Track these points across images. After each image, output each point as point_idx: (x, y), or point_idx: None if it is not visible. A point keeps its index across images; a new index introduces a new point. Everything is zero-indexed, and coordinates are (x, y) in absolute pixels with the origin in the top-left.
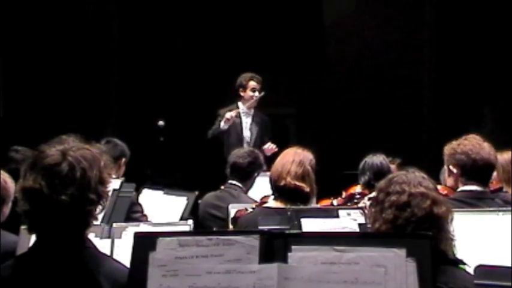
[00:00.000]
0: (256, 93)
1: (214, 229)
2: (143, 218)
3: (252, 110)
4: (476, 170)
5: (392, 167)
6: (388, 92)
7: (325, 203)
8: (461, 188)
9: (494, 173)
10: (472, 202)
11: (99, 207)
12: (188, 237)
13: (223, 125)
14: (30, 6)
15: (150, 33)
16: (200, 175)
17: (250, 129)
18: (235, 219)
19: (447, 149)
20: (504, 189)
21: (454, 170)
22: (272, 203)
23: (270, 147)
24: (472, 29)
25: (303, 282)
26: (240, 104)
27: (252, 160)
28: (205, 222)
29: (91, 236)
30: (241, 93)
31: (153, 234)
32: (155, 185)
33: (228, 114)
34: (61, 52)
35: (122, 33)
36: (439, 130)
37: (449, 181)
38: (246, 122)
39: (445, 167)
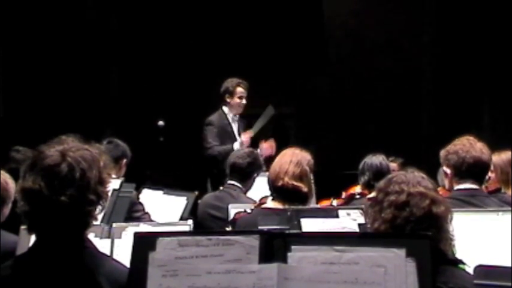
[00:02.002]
0: (244, 101)
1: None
2: (145, 216)
3: (237, 116)
4: (467, 168)
5: (394, 166)
6: (388, 92)
7: (325, 203)
8: (456, 187)
9: (493, 175)
10: (466, 199)
11: (99, 208)
12: (188, 237)
13: (237, 147)
14: (30, 6)
15: (149, 33)
16: (200, 175)
17: (239, 135)
18: (233, 221)
19: (442, 152)
20: (502, 191)
21: (448, 171)
22: (270, 203)
23: (267, 145)
24: (472, 30)
25: (302, 282)
26: (225, 109)
27: (251, 160)
28: (204, 223)
29: (91, 236)
30: (228, 100)
31: (153, 234)
32: (155, 185)
33: (246, 139)
34: (61, 52)
35: (122, 33)
36: (438, 130)
37: (445, 183)
38: (235, 128)
39: (442, 169)
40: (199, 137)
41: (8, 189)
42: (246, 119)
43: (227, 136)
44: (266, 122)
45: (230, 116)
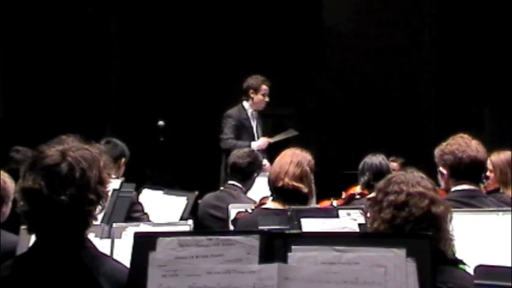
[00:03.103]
0: (267, 98)
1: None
2: (144, 216)
3: (256, 112)
4: (464, 168)
5: (395, 165)
6: (388, 92)
7: (325, 203)
8: (453, 188)
9: (492, 175)
10: (465, 201)
11: (99, 207)
12: (188, 237)
13: (255, 147)
14: (30, 7)
15: (149, 32)
16: (200, 175)
17: (257, 132)
18: (235, 221)
19: (436, 152)
20: (501, 190)
21: (444, 171)
22: (271, 204)
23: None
24: (472, 30)
25: (303, 282)
26: (246, 104)
27: (251, 160)
28: (204, 223)
29: (91, 236)
30: (252, 95)
31: (153, 234)
32: (155, 185)
33: (264, 143)
34: (61, 52)
35: (121, 32)
36: (439, 130)
37: (442, 183)
38: (254, 124)
39: (437, 169)
40: (200, 136)
41: (7, 189)
42: None
43: (245, 130)
44: (285, 138)
45: (250, 112)
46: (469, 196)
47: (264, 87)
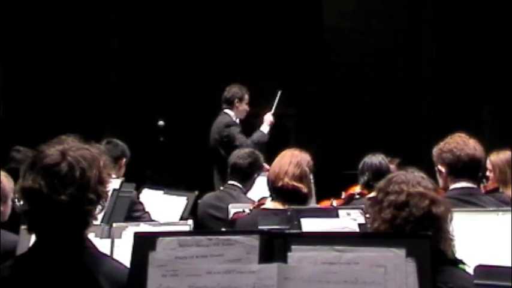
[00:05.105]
0: (248, 108)
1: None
2: (145, 215)
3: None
4: (462, 166)
5: (392, 166)
6: (388, 92)
7: (325, 203)
8: (452, 186)
9: (491, 174)
10: (464, 198)
11: (99, 207)
12: (188, 237)
13: (266, 128)
14: (30, 7)
15: (149, 33)
16: (200, 175)
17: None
18: (232, 221)
19: (434, 151)
20: (500, 190)
21: (443, 170)
22: (270, 204)
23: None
24: (471, 29)
25: (302, 282)
26: (230, 113)
27: (252, 161)
28: (204, 223)
29: (91, 236)
30: (237, 105)
31: (153, 234)
32: (155, 185)
33: (271, 118)
34: (61, 52)
35: (121, 33)
36: (439, 130)
37: (440, 182)
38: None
39: (435, 168)
40: (199, 137)
41: (4, 188)
42: (248, 119)
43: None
44: (277, 102)
45: (236, 120)
46: (468, 194)
47: (247, 96)
